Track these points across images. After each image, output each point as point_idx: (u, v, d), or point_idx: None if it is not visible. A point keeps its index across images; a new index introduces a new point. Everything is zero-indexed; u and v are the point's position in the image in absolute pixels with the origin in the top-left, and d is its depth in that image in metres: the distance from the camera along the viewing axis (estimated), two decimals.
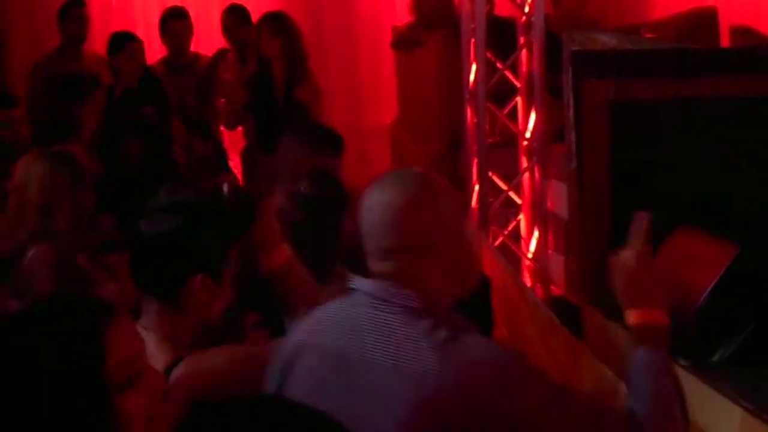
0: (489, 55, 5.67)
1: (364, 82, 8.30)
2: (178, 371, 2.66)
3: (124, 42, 6.83)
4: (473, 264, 2.50)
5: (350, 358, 2.35)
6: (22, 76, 7.97)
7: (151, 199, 4.38)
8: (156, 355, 2.60)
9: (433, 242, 2.38)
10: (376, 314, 2.35)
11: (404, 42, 7.50)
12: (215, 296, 2.80)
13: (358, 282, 2.43)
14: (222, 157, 7.60)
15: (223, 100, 7.39)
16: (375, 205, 2.40)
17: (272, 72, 6.91)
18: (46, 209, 4.07)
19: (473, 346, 2.31)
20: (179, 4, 7.85)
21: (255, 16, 7.33)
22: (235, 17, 7.62)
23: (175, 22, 7.55)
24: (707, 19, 7.78)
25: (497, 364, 2.30)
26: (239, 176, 7.42)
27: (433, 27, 7.26)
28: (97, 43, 7.83)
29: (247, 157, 7.30)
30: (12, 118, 6.18)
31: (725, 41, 7.70)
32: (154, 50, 7.67)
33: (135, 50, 6.81)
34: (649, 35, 6.80)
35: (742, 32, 7.73)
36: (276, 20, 7.03)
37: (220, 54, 7.49)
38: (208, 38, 8.12)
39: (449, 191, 2.45)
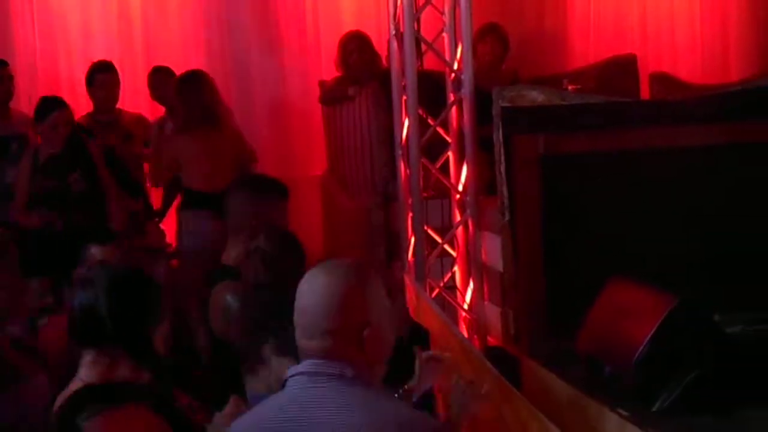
0: (420, 111, 5.75)
1: (294, 134, 8.34)
2: None
3: (49, 111, 6.80)
4: (393, 334, 2.80)
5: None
6: None
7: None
8: None
9: (363, 323, 2.68)
10: (311, 390, 2.65)
11: (332, 97, 7.59)
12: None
13: (293, 369, 2.71)
14: (150, 212, 7.60)
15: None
16: (316, 288, 2.69)
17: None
18: None
19: (395, 410, 2.66)
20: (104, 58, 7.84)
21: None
22: (161, 77, 7.66)
23: (102, 76, 7.55)
24: (627, 67, 7.97)
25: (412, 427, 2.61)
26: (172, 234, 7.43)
27: (360, 82, 7.35)
28: (23, 101, 7.79)
29: (179, 214, 7.29)
30: None
31: (645, 88, 7.89)
32: (80, 105, 7.65)
33: (59, 120, 6.77)
34: (571, 86, 6.93)
35: (661, 79, 7.93)
36: (191, 80, 7.09)
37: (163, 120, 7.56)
38: (132, 95, 8.11)
39: (378, 278, 2.77)
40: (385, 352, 2.76)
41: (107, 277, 3.05)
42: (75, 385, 3.06)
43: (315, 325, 2.67)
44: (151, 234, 7.43)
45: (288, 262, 4.00)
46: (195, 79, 7.11)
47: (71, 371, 3.13)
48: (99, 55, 7.92)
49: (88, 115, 7.62)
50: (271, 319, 3.67)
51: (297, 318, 2.71)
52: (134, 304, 3.04)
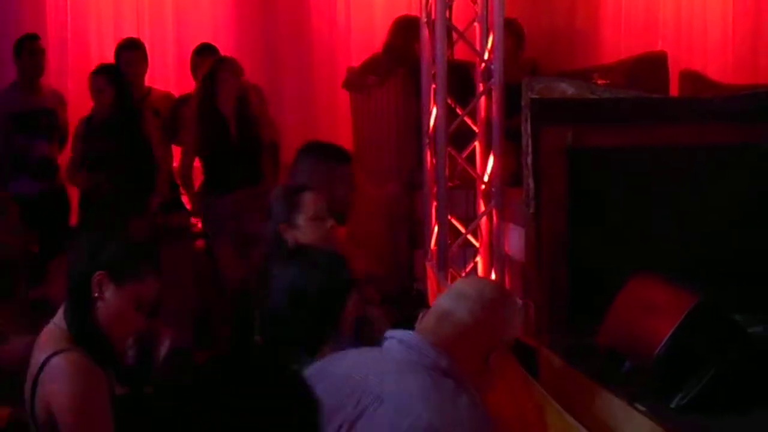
0: (449, 100, 5.76)
1: (320, 120, 8.34)
2: None
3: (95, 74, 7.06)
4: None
5: (365, 388, 2.67)
6: None
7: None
8: None
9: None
10: (399, 358, 2.71)
11: (357, 83, 7.57)
12: None
13: (395, 333, 2.79)
14: (176, 193, 7.62)
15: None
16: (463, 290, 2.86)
17: (224, 113, 6.94)
18: None
19: (463, 407, 2.64)
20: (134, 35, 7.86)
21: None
22: (205, 58, 7.64)
23: (129, 53, 7.57)
24: (657, 64, 7.93)
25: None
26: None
27: (391, 67, 7.33)
28: (53, 77, 7.83)
29: (202, 196, 7.30)
30: None
31: (674, 86, 7.86)
32: None
33: (101, 84, 6.96)
34: (601, 81, 6.91)
35: (691, 77, 7.89)
36: (229, 63, 7.09)
37: (186, 98, 7.56)
38: (162, 73, 8.14)
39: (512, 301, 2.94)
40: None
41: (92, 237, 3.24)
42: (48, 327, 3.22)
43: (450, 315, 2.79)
44: (176, 215, 7.47)
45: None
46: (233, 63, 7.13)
47: None
48: (129, 32, 7.95)
49: None
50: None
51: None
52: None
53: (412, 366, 2.69)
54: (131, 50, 7.58)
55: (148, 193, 6.93)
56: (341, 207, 4.60)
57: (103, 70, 7.10)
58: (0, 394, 3.81)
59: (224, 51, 7.56)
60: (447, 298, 2.86)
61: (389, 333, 2.83)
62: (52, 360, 3.04)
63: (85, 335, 3.08)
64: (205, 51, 7.63)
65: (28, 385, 3.11)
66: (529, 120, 5.20)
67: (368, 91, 7.41)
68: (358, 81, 7.55)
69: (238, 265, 6.57)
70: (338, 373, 2.77)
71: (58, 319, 3.17)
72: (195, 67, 7.58)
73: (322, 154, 4.85)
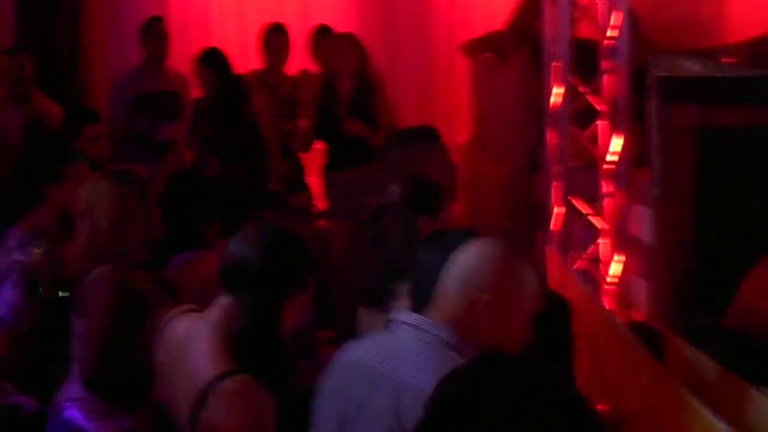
0: (571, 78, 5.68)
1: (439, 100, 8.33)
2: None
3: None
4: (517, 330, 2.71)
5: (374, 369, 2.66)
6: (102, 92, 8.09)
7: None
8: None
9: (479, 297, 2.64)
10: (407, 340, 2.67)
11: (474, 52, 7.49)
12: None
13: (401, 315, 2.73)
14: (300, 174, 7.67)
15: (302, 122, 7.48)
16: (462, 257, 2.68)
17: (338, 89, 6.96)
18: (117, 229, 4.06)
19: None
20: (257, 21, 7.92)
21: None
22: (324, 37, 7.67)
23: (274, 37, 7.66)
24: None
25: None
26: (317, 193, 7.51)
27: (513, 45, 7.26)
28: (176, 59, 7.94)
29: (326, 175, 7.35)
30: (97, 134, 6.26)
31: None
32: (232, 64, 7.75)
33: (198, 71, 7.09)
34: (727, 59, 6.76)
35: None
36: (345, 37, 7.11)
37: (303, 75, 7.60)
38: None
39: (524, 266, 2.73)
40: (510, 335, 2.70)
41: (266, 234, 3.14)
42: (202, 329, 3.10)
43: (429, 287, 2.69)
44: (299, 195, 7.53)
45: (419, 206, 3.98)
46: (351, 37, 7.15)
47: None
48: (252, 15, 8.04)
49: (257, 73, 7.73)
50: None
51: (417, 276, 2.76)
52: (284, 266, 3.09)
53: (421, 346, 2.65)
54: (276, 34, 7.70)
55: (260, 175, 6.95)
56: (443, 186, 4.55)
57: (202, 57, 7.17)
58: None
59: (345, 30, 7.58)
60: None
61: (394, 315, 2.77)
62: (223, 384, 2.90)
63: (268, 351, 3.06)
64: (323, 31, 7.68)
65: (187, 400, 2.97)
66: (655, 99, 5.11)
67: (485, 64, 7.33)
68: (476, 51, 7.50)
69: (350, 242, 6.65)
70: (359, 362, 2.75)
71: (217, 318, 3.05)
72: (315, 47, 7.64)
73: (410, 137, 4.81)
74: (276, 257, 3.07)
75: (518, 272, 2.70)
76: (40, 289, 4.22)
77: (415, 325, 2.67)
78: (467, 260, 2.67)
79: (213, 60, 7.12)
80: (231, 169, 6.76)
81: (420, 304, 2.70)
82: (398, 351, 2.66)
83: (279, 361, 3.13)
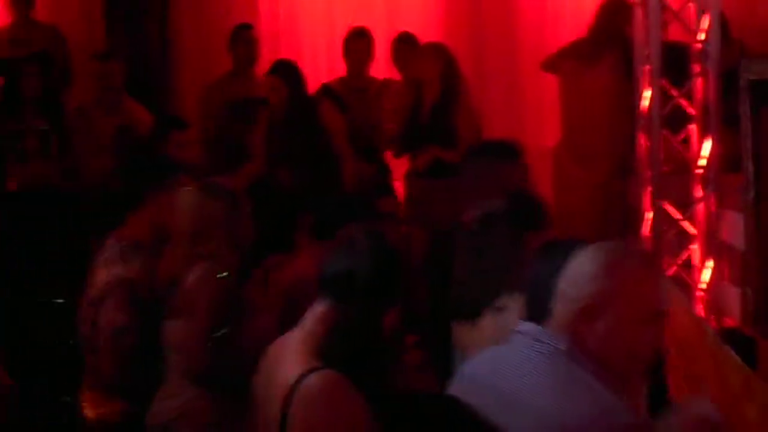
0: (663, 81, 5.61)
1: (527, 104, 8.27)
2: None
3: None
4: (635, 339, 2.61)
5: (496, 386, 2.63)
6: (191, 98, 8.17)
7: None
8: None
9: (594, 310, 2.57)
10: (527, 353, 2.62)
11: (553, 66, 7.45)
12: None
13: (522, 326, 2.70)
14: (385, 178, 7.67)
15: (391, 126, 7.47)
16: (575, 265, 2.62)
17: (423, 96, 6.95)
18: (197, 238, 4.11)
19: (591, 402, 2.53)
20: (346, 27, 7.93)
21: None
22: (405, 45, 7.67)
23: (356, 42, 7.68)
24: None
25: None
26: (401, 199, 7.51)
27: (599, 50, 7.19)
28: (265, 66, 7.98)
29: (408, 180, 7.35)
30: (185, 140, 6.33)
31: None
32: (320, 71, 7.79)
33: (276, 83, 7.04)
34: None
35: None
36: (436, 47, 7.10)
37: (385, 83, 7.60)
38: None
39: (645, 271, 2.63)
40: (629, 345, 2.60)
41: (373, 244, 3.19)
42: (295, 335, 3.18)
43: (545, 298, 2.65)
44: (384, 199, 7.53)
45: (525, 220, 3.95)
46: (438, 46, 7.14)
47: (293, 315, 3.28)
48: (341, 21, 8.05)
49: (341, 79, 7.76)
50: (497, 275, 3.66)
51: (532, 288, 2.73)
52: (390, 277, 3.16)
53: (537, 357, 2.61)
54: (358, 38, 7.69)
55: (333, 186, 6.96)
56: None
57: (274, 69, 7.18)
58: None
59: (432, 38, 7.56)
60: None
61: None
62: (309, 378, 2.97)
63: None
64: (406, 40, 7.66)
65: (276, 399, 3.04)
66: (748, 102, 5.01)
67: (570, 72, 7.27)
68: (557, 64, 7.45)
69: (426, 247, 6.66)
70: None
71: (311, 325, 3.13)
72: (396, 55, 7.64)
73: (488, 153, 4.78)
74: (383, 267, 3.14)
75: (634, 278, 2.60)
76: (141, 302, 4.27)
77: (534, 337, 2.64)
78: (579, 269, 2.61)
79: (285, 71, 7.14)
80: (302, 178, 6.79)
81: (537, 316, 2.68)
82: (519, 366, 2.63)
83: (380, 365, 3.16)
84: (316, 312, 3.13)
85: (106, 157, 7.14)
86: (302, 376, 2.97)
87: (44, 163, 7.20)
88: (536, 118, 8.25)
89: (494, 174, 4.50)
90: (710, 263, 5.57)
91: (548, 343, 2.59)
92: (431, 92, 6.89)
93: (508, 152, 4.70)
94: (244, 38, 7.68)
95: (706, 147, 5.58)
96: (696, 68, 5.63)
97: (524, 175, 4.59)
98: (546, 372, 2.57)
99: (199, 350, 3.96)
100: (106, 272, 4.38)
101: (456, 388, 2.79)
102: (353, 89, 7.64)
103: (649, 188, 5.69)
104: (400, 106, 7.19)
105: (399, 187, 7.64)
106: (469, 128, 7.03)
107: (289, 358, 3.07)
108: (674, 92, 5.66)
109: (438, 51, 7.00)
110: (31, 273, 6.65)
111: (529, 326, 2.67)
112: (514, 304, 3.45)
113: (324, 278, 3.16)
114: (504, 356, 2.72)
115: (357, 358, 3.09)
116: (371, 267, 3.10)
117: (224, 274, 4.02)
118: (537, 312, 2.68)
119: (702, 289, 5.61)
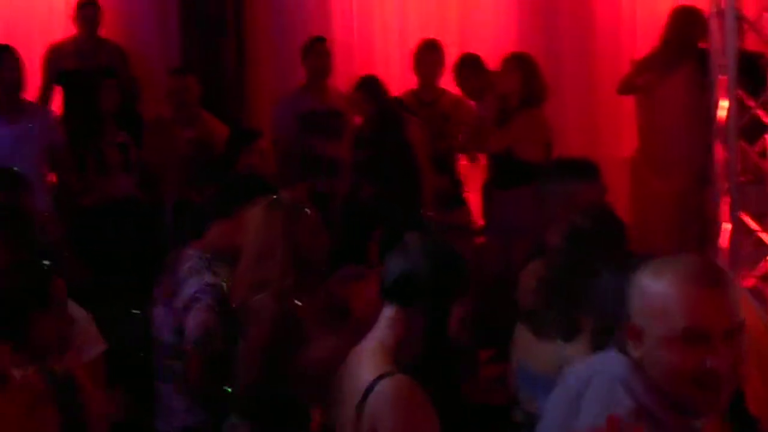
0: (739, 92, 5.55)
1: (603, 114, 8.21)
2: None
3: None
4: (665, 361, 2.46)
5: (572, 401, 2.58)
6: (266, 111, 8.23)
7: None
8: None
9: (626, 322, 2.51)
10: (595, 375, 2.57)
11: (628, 85, 7.39)
12: None
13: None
14: (457, 190, 7.67)
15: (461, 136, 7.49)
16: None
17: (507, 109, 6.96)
18: (260, 258, 4.12)
19: None
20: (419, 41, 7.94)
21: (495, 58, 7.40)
22: (468, 68, 7.66)
23: (428, 54, 7.69)
24: None
25: None
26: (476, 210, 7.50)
27: (673, 60, 7.12)
28: (339, 79, 8.02)
29: (485, 191, 7.34)
30: (260, 148, 6.36)
31: None
32: (395, 84, 7.80)
33: (359, 98, 7.18)
34: None
35: None
36: (516, 58, 7.10)
37: (457, 101, 7.63)
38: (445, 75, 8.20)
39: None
40: (680, 383, 2.44)
41: (425, 245, 3.23)
42: (369, 343, 3.23)
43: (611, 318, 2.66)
44: (457, 211, 7.53)
45: (605, 237, 3.92)
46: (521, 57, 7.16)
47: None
48: (414, 34, 8.06)
49: (412, 92, 7.78)
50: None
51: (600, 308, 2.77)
52: (449, 274, 3.19)
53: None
54: (428, 51, 7.72)
55: (414, 199, 6.96)
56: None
57: (359, 84, 7.24)
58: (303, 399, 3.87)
59: (506, 50, 7.54)
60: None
61: None
62: (381, 383, 3.06)
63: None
64: (468, 62, 7.64)
65: (351, 404, 3.11)
66: None
67: (663, 79, 7.19)
68: (629, 84, 7.40)
69: (498, 259, 6.65)
70: None
71: (382, 331, 3.20)
72: (458, 77, 7.62)
73: (561, 174, 4.72)
74: (439, 265, 3.17)
75: (664, 294, 2.44)
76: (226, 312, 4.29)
77: (593, 361, 2.62)
78: (633, 289, 2.52)
79: (370, 87, 7.18)
80: (385, 194, 6.82)
81: (603, 336, 2.67)
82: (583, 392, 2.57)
83: (452, 372, 3.20)
84: (385, 318, 3.22)
85: (182, 170, 7.22)
86: (375, 381, 3.06)
87: (125, 176, 7.30)
88: (613, 129, 8.20)
89: (572, 194, 4.46)
90: None
91: (606, 369, 2.53)
92: (514, 103, 6.92)
93: (586, 171, 4.65)
94: (317, 51, 7.72)
95: None
96: None
97: (602, 194, 4.55)
98: (596, 399, 2.50)
99: (248, 376, 3.98)
100: (194, 281, 4.39)
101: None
102: (424, 102, 7.66)
103: (727, 199, 5.62)
104: (487, 119, 7.21)
105: (473, 198, 7.65)
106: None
107: (365, 363, 3.17)
108: (751, 103, 5.59)
109: (519, 61, 7.02)
110: (110, 283, 6.73)
111: (588, 349, 2.74)
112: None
113: (385, 285, 3.23)
114: (582, 373, 2.65)
115: (428, 363, 3.16)
116: (427, 266, 3.16)
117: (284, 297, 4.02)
118: (603, 332, 2.68)
119: None
